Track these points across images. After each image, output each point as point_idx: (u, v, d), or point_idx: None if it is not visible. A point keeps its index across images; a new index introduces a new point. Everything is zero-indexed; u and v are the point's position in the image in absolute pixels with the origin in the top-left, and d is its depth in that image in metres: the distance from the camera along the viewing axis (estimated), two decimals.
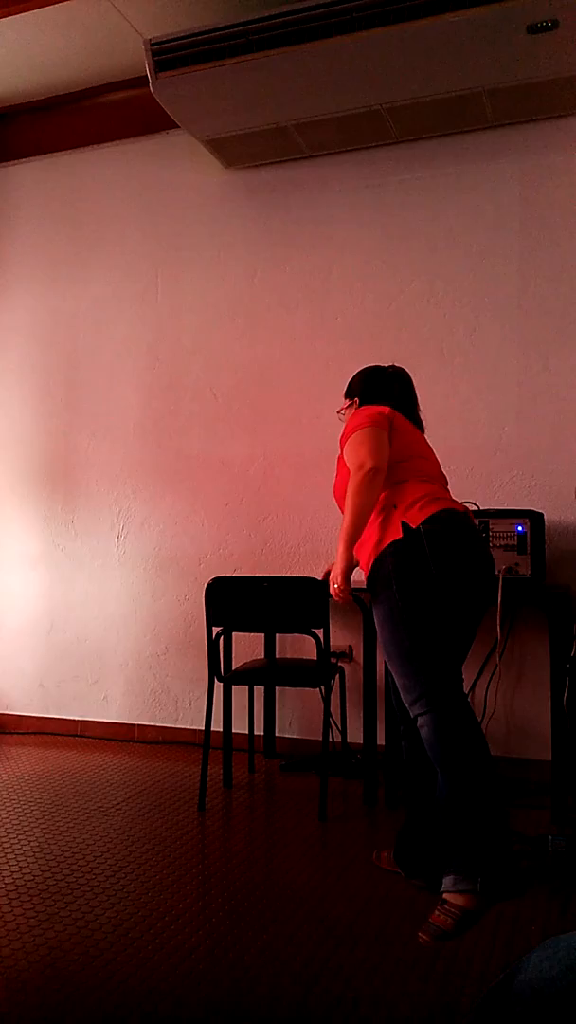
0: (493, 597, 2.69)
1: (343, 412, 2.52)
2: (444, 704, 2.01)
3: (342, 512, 2.28)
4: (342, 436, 2.31)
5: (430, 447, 2.37)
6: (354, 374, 2.54)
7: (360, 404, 2.43)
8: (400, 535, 2.11)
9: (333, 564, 2.24)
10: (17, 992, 1.73)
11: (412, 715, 2.06)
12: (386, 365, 2.53)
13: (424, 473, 2.25)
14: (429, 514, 2.12)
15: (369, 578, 2.19)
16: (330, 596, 2.37)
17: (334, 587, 2.20)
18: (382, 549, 2.14)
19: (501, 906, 2.09)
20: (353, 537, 2.15)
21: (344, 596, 2.20)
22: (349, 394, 2.51)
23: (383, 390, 2.44)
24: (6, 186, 4.16)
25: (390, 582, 2.10)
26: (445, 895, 1.91)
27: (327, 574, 2.96)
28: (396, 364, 2.52)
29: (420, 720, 2.03)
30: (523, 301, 3.28)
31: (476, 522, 2.91)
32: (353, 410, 2.43)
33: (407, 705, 2.07)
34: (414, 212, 3.45)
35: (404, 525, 2.12)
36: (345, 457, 2.24)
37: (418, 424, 2.44)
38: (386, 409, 2.29)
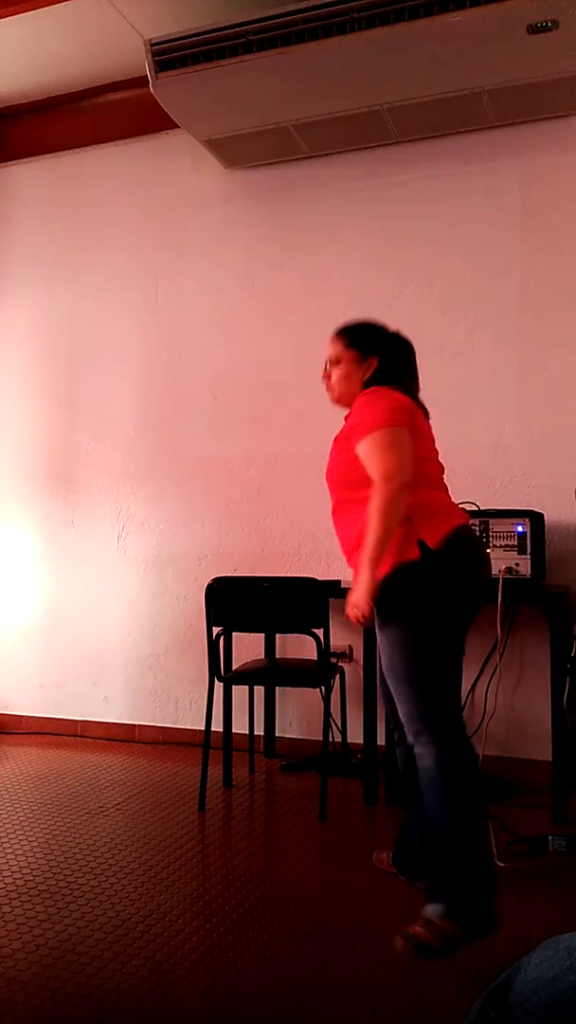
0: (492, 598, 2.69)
1: (338, 364, 2.19)
2: (451, 739, 1.92)
3: (333, 499, 2.14)
4: (357, 418, 2.05)
5: (434, 440, 2.21)
6: (354, 322, 2.23)
7: (375, 377, 2.13)
8: (418, 556, 1.95)
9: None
10: (17, 992, 1.73)
11: (413, 742, 1.96)
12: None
13: (435, 479, 2.11)
14: (446, 533, 1.98)
15: (378, 598, 1.98)
16: (330, 597, 2.31)
17: (355, 612, 1.96)
18: (397, 568, 1.95)
19: (501, 906, 2.09)
20: (379, 557, 1.93)
21: (368, 623, 1.98)
22: (360, 348, 2.16)
23: (402, 363, 2.17)
24: (6, 186, 4.15)
25: (405, 607, 1.94)
26: (433, 919, 1.81)
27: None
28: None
29: (422, 751, 1.93)
30: (523, 301, 3.28)
31: (475, 523, 2.92)
32: (361, 370, 2.15)
33: (409, 733, 1.97)
34: (414, 212, 3.45)
35: (422, 545, 1.95)
36: (366, 457, 1.99)
37: (424, 411, 2.20)
38: (407, 401, 2.07)
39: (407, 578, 1.95)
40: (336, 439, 2.16)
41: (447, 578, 1.95)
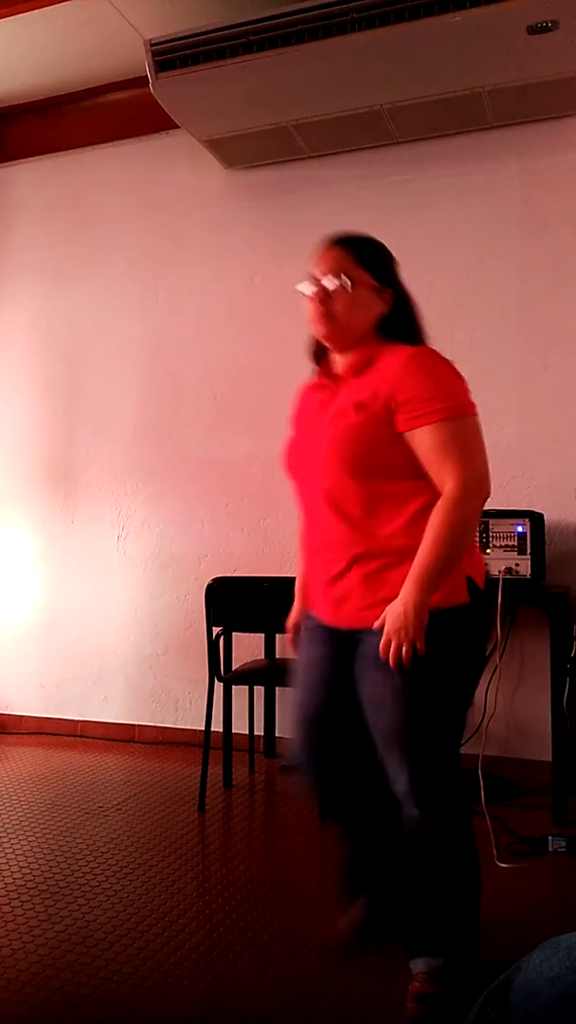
0: None
1: (352, 287, 1.63)
2: (455, 806, 1.65)
3: (326, 485, 1.65)
4: (416, 387, 1.54)
5: None
6: (357, 234, 1.77)
7: (397, 323, 1.68)
8: (468, 599, 1.57)
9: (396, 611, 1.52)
10: (17, 992, 1.73)
11: (409, 809, 1.63)
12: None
13: None
14: (484, 567, 1.65)
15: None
16: None
17: (403, 651, 1.50)
18: (445, 612, 1.54)
19: (499, 911, 2.09)
20: (439, 580, 1.51)
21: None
22: (375, 272, 1.67)
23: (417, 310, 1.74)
24: (6, 186, 4.15)
25: (444, 658, 1.55)
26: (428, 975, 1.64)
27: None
28: None
29: (423, 818, 1.62)
30: (523, 301, 3.28)
31: None
32: (378, 302, 1.66)
33: (405, 796, 1.63)
34: (414, 213, 3.45)
35: (472, 585, 1.58)
36: (438, 447, 1.53)
37: None
38: None
39: (454, 625, 1.55)
40: (347, 404, 1.61)
41: (486, 623, 1.64)
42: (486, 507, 2.94)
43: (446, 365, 1.60)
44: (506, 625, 3.01)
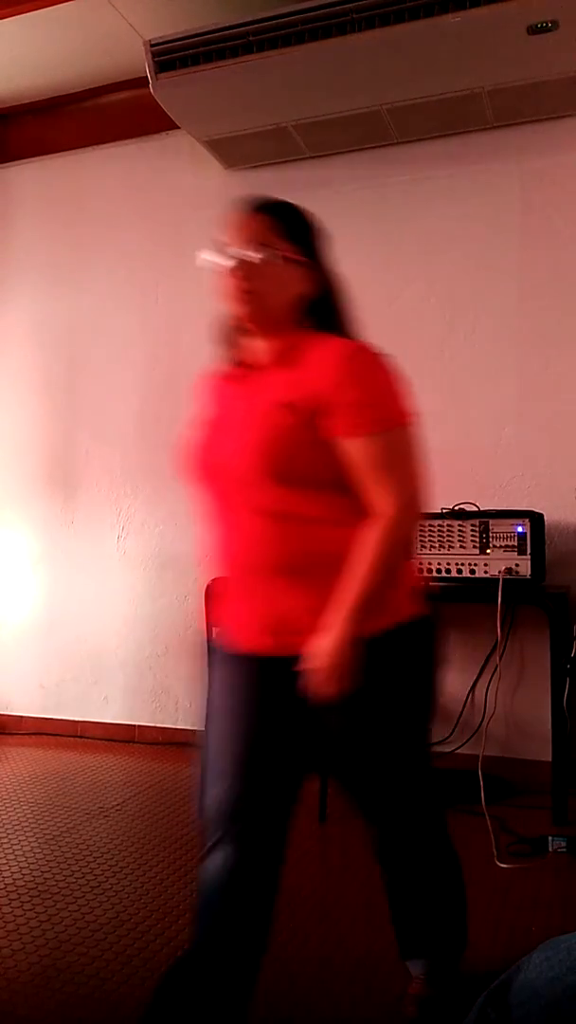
0: None
1: (278, 262, 1.42)
2: (438, 809, 1.63)
3: (219, 493, 1.56)
4: (352, 390, 1.36)
5: None
6: (278, 200, 1.51)
7: (325, 311, 1.49)
8: (418, 609, 1.46)
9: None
10: (17, 992, 1.73)
11: (389, 821, 1.60)
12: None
13: None
14: (418, 570, 1.55)
15: (369, 666, 1.39)
16: None
17: (334, 686, 1.34)
18: (384, 631, 1.39)
19: (499, 911, 2.09)
20: (369, 609, 1.35)
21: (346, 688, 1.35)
22: (305, 248, 1.47)
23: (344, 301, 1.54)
24: (6, 187, 4.15)
25: (396, 684, 1.44)
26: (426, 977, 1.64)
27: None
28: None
29: (402, 832, 1.60)
30: (523, 301, 3.28)
31: (475, 524, 2.93)
32: (303, 283, 1.46)
33: (384, 814, 1.59)
34: (414, 213, 3.45)
35: (418, 593, 1.49)
36: (370, 460, 1.36)
37: None
38: None
39: (410, 642, 1.44)
40: (272, 402, 1.40)
41: (439, 630, 1.53)
42: (486, 507, 2.98)
43: (385, 368, 1.41)
44: (506, 625, 3.01)
